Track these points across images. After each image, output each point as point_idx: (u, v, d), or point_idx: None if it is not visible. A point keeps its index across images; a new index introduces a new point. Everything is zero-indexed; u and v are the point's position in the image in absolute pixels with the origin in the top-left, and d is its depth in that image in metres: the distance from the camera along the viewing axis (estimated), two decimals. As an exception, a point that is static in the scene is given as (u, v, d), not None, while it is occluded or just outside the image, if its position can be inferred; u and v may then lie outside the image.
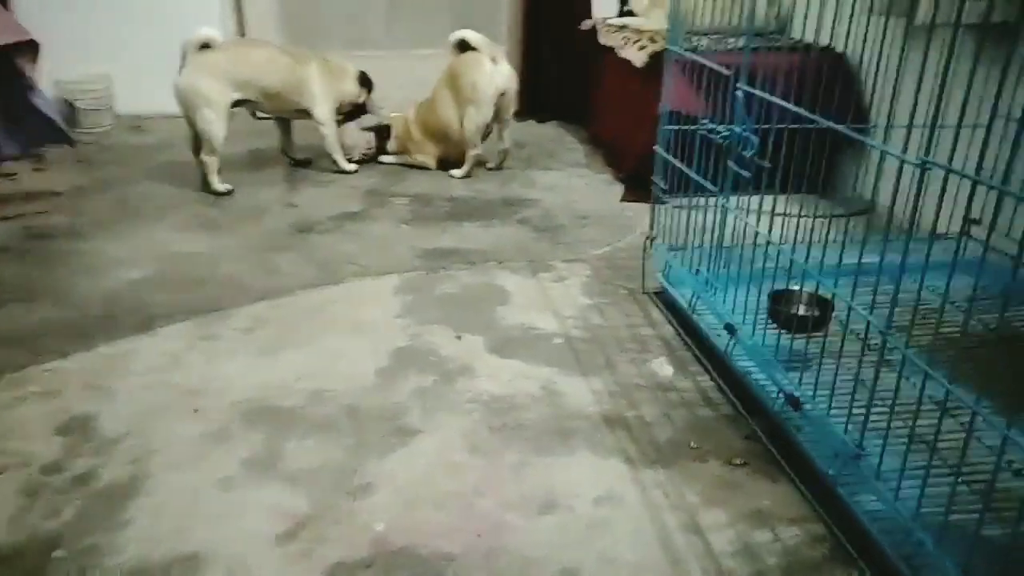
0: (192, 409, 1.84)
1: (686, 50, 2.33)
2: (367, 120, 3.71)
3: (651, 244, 2.42)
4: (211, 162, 3.30)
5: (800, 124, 1.93)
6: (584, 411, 1.84)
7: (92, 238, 2.86)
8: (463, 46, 3.51)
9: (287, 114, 3.61)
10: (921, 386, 1.26)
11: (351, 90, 3.61)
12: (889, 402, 1.43)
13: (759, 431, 1.75)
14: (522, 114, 4.58)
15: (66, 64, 4.23)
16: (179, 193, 3.36)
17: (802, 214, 2.82)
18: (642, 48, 3.42)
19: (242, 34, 4.55)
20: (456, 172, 3.58)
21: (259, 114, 3.81)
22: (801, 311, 1.95)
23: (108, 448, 1.69)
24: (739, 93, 1.80)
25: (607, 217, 3.13)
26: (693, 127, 2.20)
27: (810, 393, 1.61)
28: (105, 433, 1.74)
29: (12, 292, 2.43)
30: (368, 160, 3.77)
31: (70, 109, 4.26)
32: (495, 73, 3.43)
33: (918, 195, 1.21)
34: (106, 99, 4.36)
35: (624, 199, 3.36)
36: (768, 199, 2.03)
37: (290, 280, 2.53)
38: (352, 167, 3.67)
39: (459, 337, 2.18)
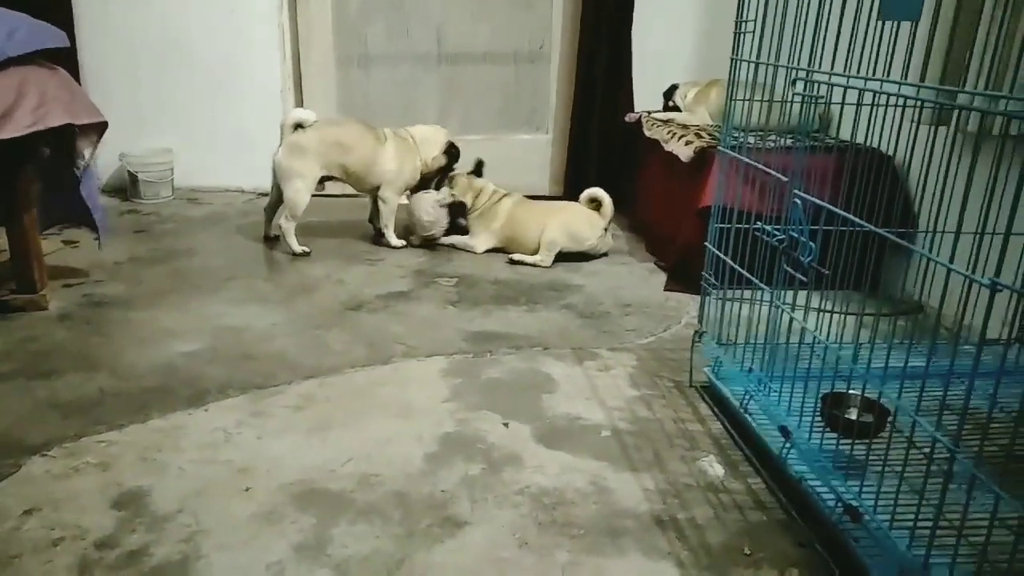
0: (243, 488, 1.85)
1: (733, 147, 2.39)
2: (446, 197, 3.78)
3: (700, 338, 2.42)
4: (289, 227, 3.58)
5: (851, 227, 1.96)
6: (634, 510, 1.82)
7: (149, 308, 2.94)
8: (593, 199, 3.73)
9: (364, 189, 3.78)
10: (993, 510, 1.24)
11: (434, 158, 3.80)
12: (952, 518, 1.40)
13: (815, 539, 1.71)
14: (565, 199, 4.68)
15: (128, 137, 4.43)
16: (233, 266, 3.46)
17: (851, 311, 2.83)
18: (688, 143, 3.49)
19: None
20: (529, 259, 3.62)
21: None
22: (857, 416, 1.93)
23: (160, 525, 1.70)
24: (796, 201, 1.83)
25: (651, 306, 3.15)
26: (745, 226, 2.24)
27: (870, 503, 1.58)
28: (157, 509, 1.76)
29: (72, 360, 2.49)
30: (436, 239, 3.81)
31: (132, 181, 4.45)
32: (602, 240, 3.70)
33: (988, 313, 1.21)
34: (167, 172, 4.54)
35: (667, 288, 3.37)
36: (815, 294, 2.04)
37: (339, 359, 2.57)
38: (399, 243, 3.77)
39: (506, 425, 2.18)
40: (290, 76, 4.68)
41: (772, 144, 3.08)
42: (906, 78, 1.65)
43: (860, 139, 2.03)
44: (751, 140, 3.41)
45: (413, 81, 4.77)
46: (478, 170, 3.88)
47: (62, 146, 2.78)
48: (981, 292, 1.27)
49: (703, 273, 2.43)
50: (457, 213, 3.77)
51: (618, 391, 2.41)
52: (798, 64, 1.92)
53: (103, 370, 2.44)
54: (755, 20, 2.06)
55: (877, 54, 1.76)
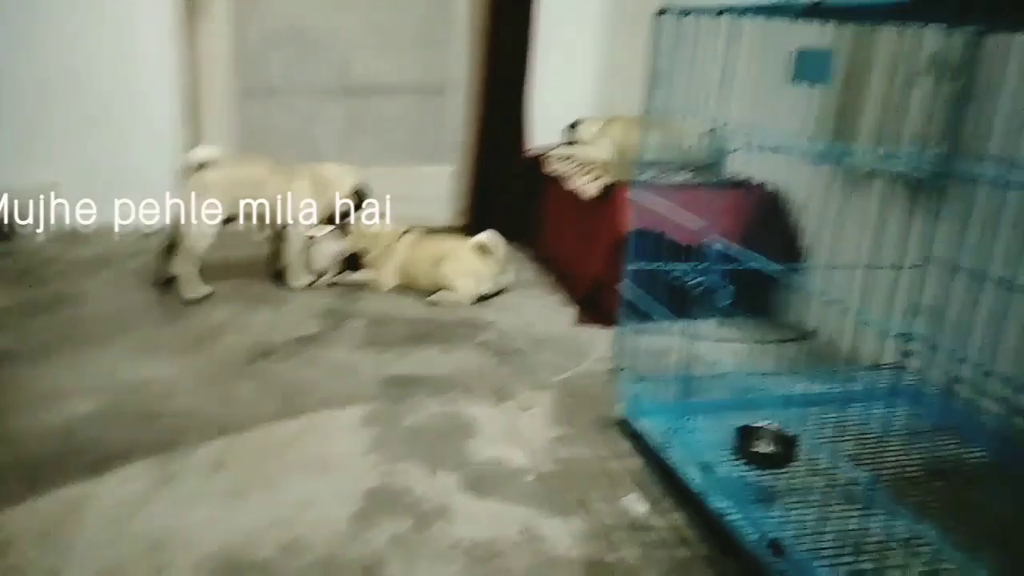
0: (159, 565, 1.75)
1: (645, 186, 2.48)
2: (345, 251, 3.74)
3: (616, 374, 2.48)
4: (189, 270, 3.42)
5: (758, 268, 2.07)
6: (566, 556, 1.84)
7: (38, 364, 2.75)
8: (482, 246, 3.69)
9: (275, 227, 3.67)
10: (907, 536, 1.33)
11: (341, 199, 3.71)
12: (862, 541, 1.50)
13: (740, 573, 1.77)
14: (471, 230, 4.69)
15: (7, 171, 4.14)
16: (128, 313, 3.28)
17: (753, 340, 2.98)
18: (593, 180, 3.59)
19: (197, 143, 4.55)
20: (450, 297, 3.57)
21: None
22: (770, 448, 2.02)
23: (69, 614, 1.59)
24: (713, 249, 1.92)
25: (563, 341, 3.19)
26: (657, 266, 2.31)
27: (790, 534, 1.67)
28: (65, 596, 1.64)
29: (-48, 429, 2.30)
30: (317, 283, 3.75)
31: (9, 219, 4.14)
32: (496, 283, 3.68)
33: (904, 357, 1.31)
34: (48, 209, 4.26)
35: (578, 322, 3.43)
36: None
37: (251, 412, 2.47)
38: (302, 283, 3.68)
39: (432, 474, 2.16)
40: (186, 108, 4.49)
41: (680, 179, 3.19)
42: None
43: (751, 176, 2.17)
44: (649, 174, 3.56)
45: (317, 113, 4.69)
46: (358, 196, 3.83)
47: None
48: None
49: (618, 312, 2.49)
50: (352, 263, 3.75)
51: (538, 432, 2.43)
52: (705, 113, 2.02)
53: (-11, 439, 2.25)
54: (666, 73, 2.15)
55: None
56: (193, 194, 3.39)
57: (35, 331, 3.04)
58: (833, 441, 2.14)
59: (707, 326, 2.82)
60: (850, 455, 2.07)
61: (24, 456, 2.17)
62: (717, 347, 2.92)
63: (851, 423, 2.31)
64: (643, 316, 2.37)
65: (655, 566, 1.81)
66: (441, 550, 1.84)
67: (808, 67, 1.72)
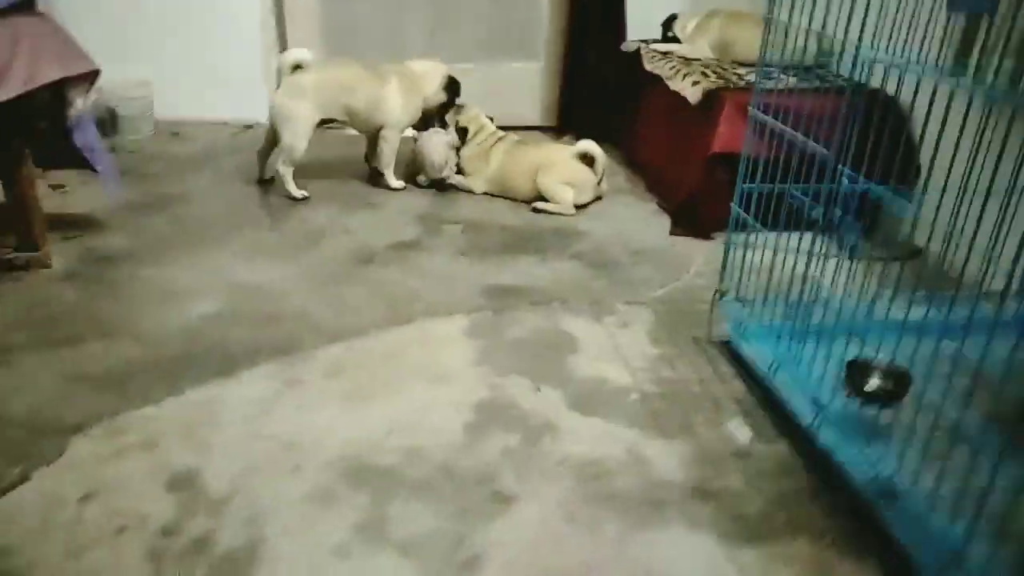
0: (292, 466, 1.88)
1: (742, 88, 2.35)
2: (455, 139, 3.73)
3: (720, 296, 2.47)
4: (288, 172, 3.51)
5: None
6: (672, 479, 1.90)
7: (155, 264, 2.89)
8: (585, 154, 3.60)
9: (369, 130, 3.70)
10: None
11: (434, 94, 3.73)
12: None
13: (845, 508, 1.81)
14: (560, 130, 4.61)
15: (104, 69, 4.20)
16: (233, 214, 3.39)
17: (856, 258, 2.89)
18: (695, 83, 3.44)
19: (283, 41, 4.54)
20: (552, 207, 3.53)
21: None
22: (882, 385, 2.00)
23: (219, 508, 1.74)
24: (845, 180, 1.85)
25: (660, 252, 3.17)
26: (772, 187, 2.24)
27: (900, 477, 1.68)
28: (211, 492, 1.79)
29: (88, 326, 2.46)
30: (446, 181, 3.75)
31: (111, 116, 4.26)
32: (595, 192, 3.65)
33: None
34: (147, 105, 4.35)
35: (673, 232, 3.39)
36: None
37: (361, 318, 2.57)
38: (400, 184, 3.72)
39: (538, 390, 2.23)
40: (270, 4, 4.45)
41: (776, 84, 3.01)
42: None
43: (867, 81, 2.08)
44: (751, 78, 3.39)
45: (400, 8, 4.57)
46: (450, 88, 3.80)
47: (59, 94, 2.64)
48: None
49: (720, 227, 2.43)
50: (459, 138, 3.74)
51: (640, 350, 2.46)
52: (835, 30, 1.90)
53: (124, 337, 2.41)
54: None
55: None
56: (288, 97, 3.42)
57: (149, 231, 3.18)
58: (948, 377, 2.10)
59: (810, 242, 2.76)
60: (964, 392, 2.04)
61: (157, 357, 2.31)
62: (820, 265, 2.86)
63: (966, 356, 2.26)
64: (749, 233, 2.33)
65: (760, 495, 1.86)
66: (550, 466, 1.92)
67: (968, -6, 1.59)
